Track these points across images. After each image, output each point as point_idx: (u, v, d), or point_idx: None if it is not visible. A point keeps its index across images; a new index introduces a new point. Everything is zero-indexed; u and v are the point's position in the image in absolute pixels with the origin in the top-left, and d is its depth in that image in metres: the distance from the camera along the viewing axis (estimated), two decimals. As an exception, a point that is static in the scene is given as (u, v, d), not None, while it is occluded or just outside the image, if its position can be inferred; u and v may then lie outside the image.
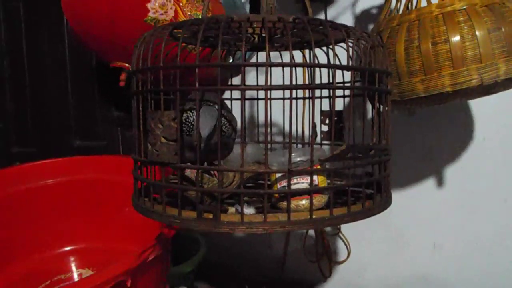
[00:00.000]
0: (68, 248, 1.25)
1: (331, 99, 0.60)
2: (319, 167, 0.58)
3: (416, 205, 1.21)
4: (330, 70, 0.78)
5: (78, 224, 1.25)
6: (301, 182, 0.58)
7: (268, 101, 0.56)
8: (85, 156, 1.31)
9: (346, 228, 1.28)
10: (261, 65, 0.54)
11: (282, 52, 0.87)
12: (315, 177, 0.58)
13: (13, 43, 1.71)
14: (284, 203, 0.59)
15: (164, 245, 0.88)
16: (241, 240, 1.39)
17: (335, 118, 0.88)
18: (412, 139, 1.19)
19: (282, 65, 0.58)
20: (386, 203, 0.66)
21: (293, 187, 0.58)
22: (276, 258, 1.38)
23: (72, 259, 1.24)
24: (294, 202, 0.59)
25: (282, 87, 0.56)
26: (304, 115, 0.92)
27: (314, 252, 1.32)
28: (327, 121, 0.83)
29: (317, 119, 1.01)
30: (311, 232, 1.32)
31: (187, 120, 0.62)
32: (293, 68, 0.56)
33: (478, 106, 1.12)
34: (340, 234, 1.29)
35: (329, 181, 0.63)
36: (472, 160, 1.15)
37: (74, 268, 1.23)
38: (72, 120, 1.67)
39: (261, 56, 0.92)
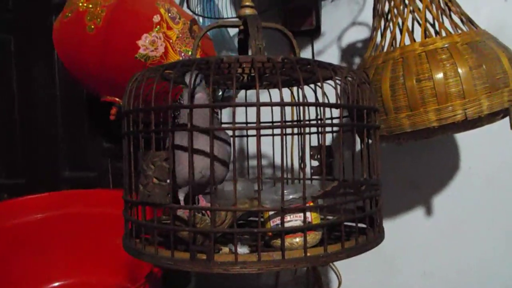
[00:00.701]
0: (56, 284, 1.22)
1: (320, 135, 0.61)
2: (311, 203, 0.59)
3: (405, 233, 1.22)
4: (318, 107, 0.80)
5: (67, 259, 1.23)
6: (294, 220, 0.59)
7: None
8: (75, 190, 1.30)
9: (337, 258, 1.28)
10: (252, 105, 0.55)
11: (270, 90, 0.88)
12: (308, 214, 0.58)
13: (3, 74, 1.71)
14: (278, 241, 0.59)
15: (155, 282, 0.87)
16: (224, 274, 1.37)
17: (325, 153, 0.90)
18: (400, 168, 1.21)
19: (272, 104, 0.59)
20: (379, 238, 0.67)
21: (286, 224, 0.58)
22: (267, 289, 1.37)
23: (61, 295, 1.22)
24: (288, 240, 0.59)
25: (273, 126, 0.57)
26: (293, 150, 0.93)
27: (305, 283, 1.31)
28: (317, 156, 0.84)
29: (307, 154, 1.04)
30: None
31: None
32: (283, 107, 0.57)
33: (463, 136, 1.15)
34: (331, 264, 1.29)
35: (321, 216, 0.64)
36: (459, 188, 1.18)
37: (62, 305, 1.21)
38: (62, 151, 1.65)
39: (250, 93, 0.94)
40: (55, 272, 1.21)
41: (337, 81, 0.64)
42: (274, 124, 0.57)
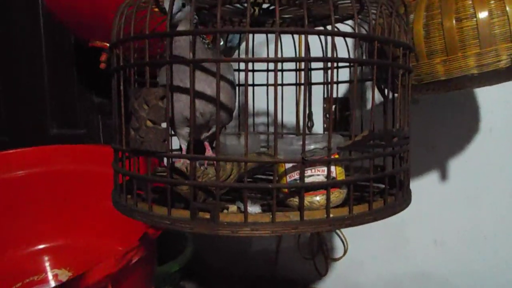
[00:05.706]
0: (41, 246, 1.14)
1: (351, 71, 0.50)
2: (337, 156, 0.49)
3: (417, 199, 1.12)
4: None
5: (53, 220, 1.15)
6: (315, 175, 0.49)
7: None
8: (61, 145, 1.19)
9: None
10: (271, 32, 0.45)
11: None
12: (332, 168, 0.49)
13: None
14: (295, 200, 0.50)
15: (149, 245, 0.78)
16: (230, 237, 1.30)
17: (339, 106, 0.80)
18: (414, 128, 1.11)
19: (293, 32, 0.49)
20: (407, 199, 0.58)
21: (306, 180, 0.48)
22: (268, 255, 1.30)
23: (46, 258, 1.14)
24: (308, 199, 0.49)
25: (295, 59, 0.46)
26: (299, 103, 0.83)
27: (308, 249, 1.24)
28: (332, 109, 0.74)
29: (319, 109, 0.94)
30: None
31: None
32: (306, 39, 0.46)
33: (485, 95, 1.05)
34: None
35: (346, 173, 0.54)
36: (478, 152, 1.09)
37: (48, 268, 1.13)
38: (49, 107, 1.55)
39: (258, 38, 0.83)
40: (39, 233, 1.13)
41: (372, 10, 0.53)
42: (296, 58, 0.46)
